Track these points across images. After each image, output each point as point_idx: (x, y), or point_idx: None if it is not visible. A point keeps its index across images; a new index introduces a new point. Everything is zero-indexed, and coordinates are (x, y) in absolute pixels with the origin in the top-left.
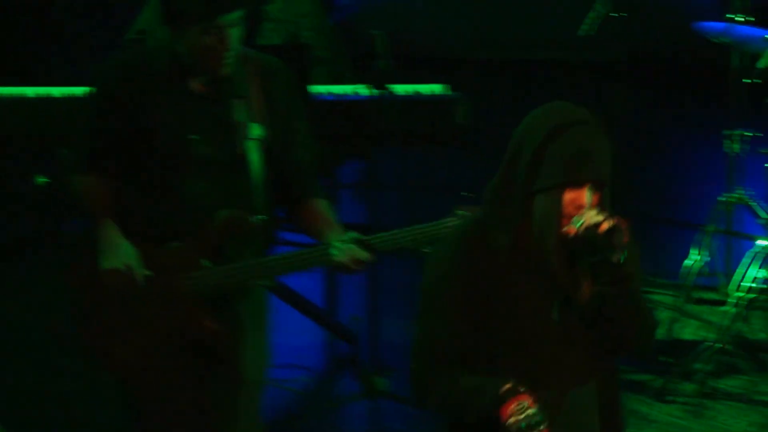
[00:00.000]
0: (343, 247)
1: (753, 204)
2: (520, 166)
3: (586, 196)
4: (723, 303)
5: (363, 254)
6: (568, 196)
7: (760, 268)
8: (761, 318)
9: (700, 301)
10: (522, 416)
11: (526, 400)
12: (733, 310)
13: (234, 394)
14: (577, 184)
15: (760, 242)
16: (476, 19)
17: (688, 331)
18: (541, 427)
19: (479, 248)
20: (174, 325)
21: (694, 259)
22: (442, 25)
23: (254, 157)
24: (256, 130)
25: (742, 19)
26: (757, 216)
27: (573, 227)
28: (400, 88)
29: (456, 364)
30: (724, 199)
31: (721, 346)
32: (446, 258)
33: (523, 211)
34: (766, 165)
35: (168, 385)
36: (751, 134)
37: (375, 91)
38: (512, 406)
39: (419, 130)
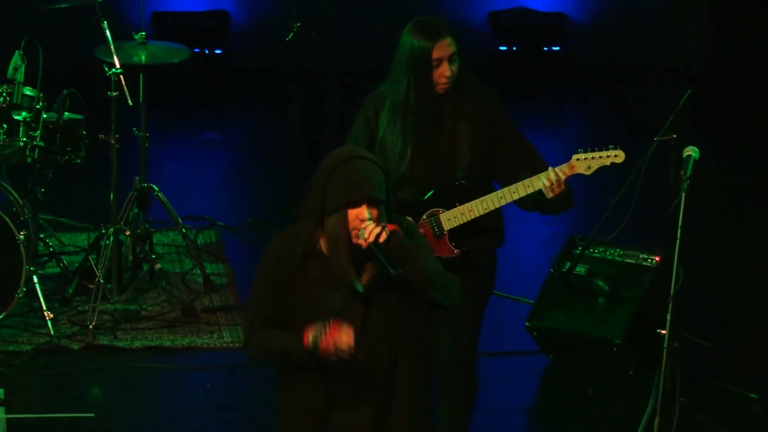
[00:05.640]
0: None
1: None
2: (315, 195)
3: (365, 212)
4: None
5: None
6: (351, 213)
7: None
8: None
9: None
10: (316, 330)
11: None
12: None
13: None
14: (356, 204)
15: None
16: None
17: None
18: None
19: (287, 251)
20: None
21: None
22: None
23: None
24: None
25: None
26: None
27: (362, 240)
28: None
29: (267, 324)
30: None
31: None
32: (270, 253)
33: (319, 227)
34: None
35: None
36: None
37: None
38: (310, 332)
39: None
